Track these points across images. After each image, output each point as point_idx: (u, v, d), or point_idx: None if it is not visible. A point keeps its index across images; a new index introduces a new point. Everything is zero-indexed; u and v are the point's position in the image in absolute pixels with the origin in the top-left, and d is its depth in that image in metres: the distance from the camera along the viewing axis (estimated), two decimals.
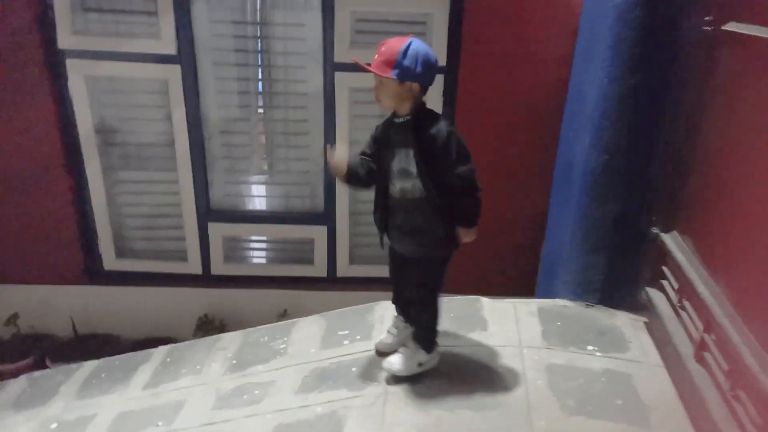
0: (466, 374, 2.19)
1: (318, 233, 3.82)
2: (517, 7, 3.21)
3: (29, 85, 3.29)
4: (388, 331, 2.29)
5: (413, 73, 1.85)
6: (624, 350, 2.33)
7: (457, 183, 1.90)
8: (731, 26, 1.89)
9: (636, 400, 2.04)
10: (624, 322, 2.52)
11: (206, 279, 3.89)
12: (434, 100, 3.39)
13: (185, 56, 3.34)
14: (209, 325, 3.77)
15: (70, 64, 3.33)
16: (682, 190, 2.22)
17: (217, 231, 3.78)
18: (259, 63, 3.49)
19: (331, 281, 3.93)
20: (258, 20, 3.41)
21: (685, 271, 2.06)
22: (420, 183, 1.93)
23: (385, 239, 2.14)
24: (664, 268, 2.32)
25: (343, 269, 3.91)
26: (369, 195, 3.78)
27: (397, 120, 1.96)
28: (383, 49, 1.87)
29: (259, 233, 3.91)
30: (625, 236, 2.48)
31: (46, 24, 3.23)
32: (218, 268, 3.88)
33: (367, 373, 2.24)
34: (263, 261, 4.02)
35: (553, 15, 3.21)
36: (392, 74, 1.85)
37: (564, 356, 2.28)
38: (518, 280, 3.55)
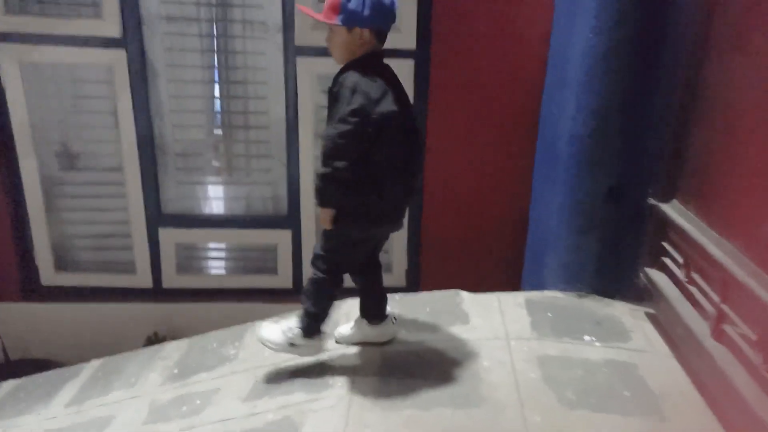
0: (444, 369, 1.87)
1: (282, 238, 3.48)
2: None
3: None
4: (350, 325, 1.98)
5: (361, 18, 1.61)
6: (625, 339, 2.03)
7: (322, 143, 1.62)
8: None
9: (645, 390, 1.73)
10: (622, 311, 2.23)
11: (157, 293, 3.49)
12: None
13: (131, 40, 3.04)
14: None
15: (2, 48, 3.00)
16: (682, 153, 1.96)
17: (169, 238, 3.42)
18: (215, 49, 3.22)
19: (298, 293, 3.54)
20: (213, 1, 3.15)
21: (693, 238, 1.79)
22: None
23: None
24: (665, 244, 2.05)
25: None
26: None
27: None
28: None
29: (216, 239, 3.55)
30: (618, 211, 2.21)
31: None
32: (171, 280, 3.50)
33: (329, 373, 1.90)
34: (221, 271, 3.65)
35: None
36: (337, 20, 1.63)
37: (558, 347, 1.97)
38: (502, 278, 3.25)
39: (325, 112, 3.18)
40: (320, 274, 1.81)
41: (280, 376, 1.95)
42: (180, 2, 3.12)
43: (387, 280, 3.56)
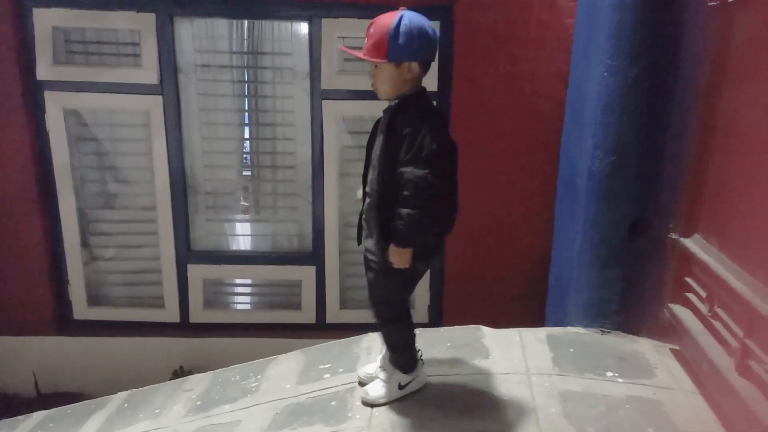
0: (463, 403, 1.85)
1: (306, 274, 3.54)
2: (509, 27, 3.11)
3: (4, 116, 3.15)
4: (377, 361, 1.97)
5: (409, 52, 1.62)
6: (650, 376, 1.99)
7: (402, 185, 1.59)
8: None
9: (670, 427, 1.69)
10: (647, 348, 2.19)
11: (184, 327, 3.56)
12: None
13: (168, 86, 3.22)
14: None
15: (49, 96, 3.21)
16: (700, 186, 1.97)
17: (197, 273, 3.51)
18: (246, 93, 3.38)
19: (321, 328, 3.59)
20: (244, 49, 3.33)
21: (716, 273, 1.77)
22: (378, 174, 1.67)
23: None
24: (688, 279, 2.03)
25: (333, 314, 3.59)
26: None
27: (388, 105, 1.73)
28: (372, 30, 1.64)
29: (242, 275, 3.63)
30: (640, 246, 2.21)
31: (25, 54, 3.15)
32: (197, 315, 3.57)
33: (349, 406, 1.91)
34: (247, 306, 3.71)
35: (545, 34, 3.11)
36: (386, 57, 1.62)
37: (580, 383, 1.95)
38: (524, 314, 3.22)
39: (350, 152, 3.36)
40: (391, 320, 1.81)
41: (300, 409, 1.97)
42: (214, 51, 3.31)
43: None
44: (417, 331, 2.33)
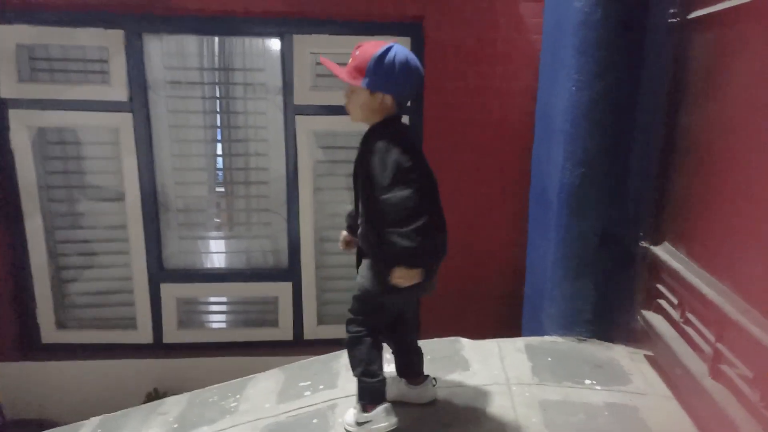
0: (445, 415, 1.86)
1: (282, 291, 3.51)
2: (477, 44, 3.18)
3: None
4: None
5: (385, 84, 1.61)
6: (626, 383, 2.03)
7: (385, 211, 1.57)
8: (698, 13, 1.81)
9: None
10: (622, 354, 2.24)
11: (157, 348, 3.49)
12: None
13: (137, 103, 3.18)
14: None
15: (13, 114, 3.13)
16: (667, 195, 2.04)
17: (170, 292, 3.45)
18: (218, 110, 3.35)
19: (298, 344, 3.56)
20: (216, 65, 3.32)
21: (686, 279, 1.83)
22: (363, 202, 1.66)
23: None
24: (659, 286, 2.09)
25: (311, 330, 3.56)
26: (336, 247, 3.56)
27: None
28: (357, 52, 1.64)
29: (217, 293, 3.57)
30: (611, 255, 2.26)
31: None
32: (171, 335, 3.50)
33: (331, 423, 1.89)
34: (222, 325, 3.65)
35: (513, 50, 3.19)
36: (362, 83, 1.61)
37: (559, 391, 1.97)
38: (501, 325, 3.26)
39: (323, 167, 3.36)
40: (355, 346, 1.75)
41: (280, 428, 1.94)
42: (184, 68, 3.28)
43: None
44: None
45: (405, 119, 3.30)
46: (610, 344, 2.33)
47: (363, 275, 1.71)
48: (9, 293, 3.31)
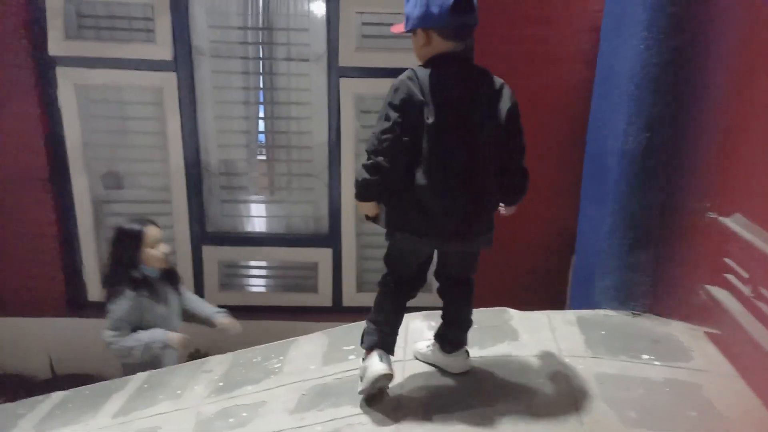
0: (497, 386, 1.80)
1: (322, 256, 3.49)
2: (536, 6, 3.02)
3: (15, 92, 3.09)
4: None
5: (413, 19, 1.56)
6: (686, 359, 1.93)
7: None
8: None
9: (712, 411, 1.63)
10: (680, 331, 2.13)
11: None
12: None
13: (182, 63, 3.15)
14: None
15: (61, 72, 3.15)
16: (741, 163, 1.89)
17: (212, 255, 3.47)
18: (261, 71, 3.30)
19: (337, 311, 3.55)
20: (260, 25, 3.25)
21: (762, 252, 1.70)
22: None
23: None
24: (727, 260, 1.96)
25: (350, 297, 3.54)
26: None
27: None
28: None
29: (258, 257, 3.58)
30: (673, 226, 2.13)
31: (36, 29, 3.07)
32: (213, 296, 3.52)
33: None
34: (262, 289, 3.66)
35: (570, 11, 3.02)
36: (404, 27, 1.60)
37: (615, 365, 1.89)
38: (545, 297, 3.17)
39: (366, 133, 3.28)
40: (380, 283, 1.79)
41: (327, 390, 1.92)
42: (228, 27, 3.22)
43: (427, 298, 3.50)
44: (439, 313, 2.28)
45: None
46: (667, 320, 2.21)
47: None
48: (57, 251, 3.38)
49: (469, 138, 1.59)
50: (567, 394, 1.73)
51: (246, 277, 3.67)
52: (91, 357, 3.51)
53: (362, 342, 1.75)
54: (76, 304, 3.51)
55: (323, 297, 3.54)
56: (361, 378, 1.72)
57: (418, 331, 2.21)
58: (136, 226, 2.47)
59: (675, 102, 2.04)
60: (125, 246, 2.43)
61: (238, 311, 3.52)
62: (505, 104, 1.62)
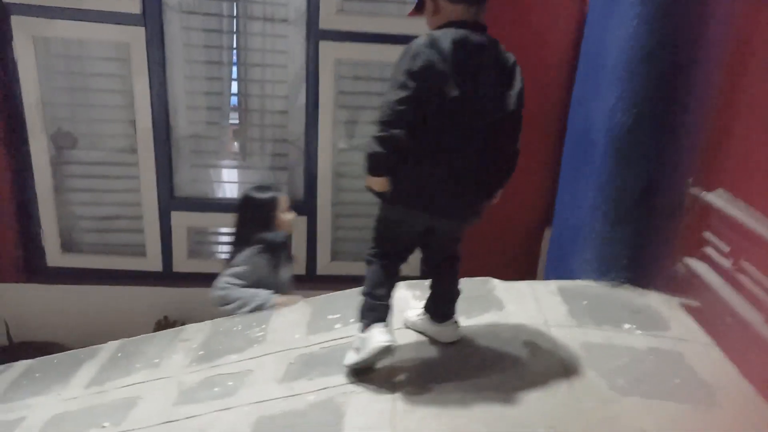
0: (486, 355, 1.82)
1: (296, 225, 3.40)
2: None
3: None
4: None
5: None
6: (665, 329, 2.00)
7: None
8: None
9: (695, 378, 1.70)
10: (657, 301, 2.20)
11: (167, 276, 3.41)
12: None
13: (150, 17, 2.96)
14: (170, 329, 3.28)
15: (16, 21, 2.90)
16: (727, 141, 1.94)
17: (181, 221, 3.34)
18: (235, 29, 3.14)
19: (310, 280, 3.50)
20: None
21: (744, 227, 1.76)
22: None
23: None
24: (707, 234, 2.03)
25: (324, 266, 3.50)
26: (354, 184, 3.45)
27: None
28: None
29: (229, 224, 3.45)
30: (656, 200, 2.18)
31: None
32: (181, 264, 3.42)
33: None
34: None
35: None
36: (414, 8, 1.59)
37: (599, 334, 1.94)
38: (517, 268, 3.22)
39: (346, 99, 3.20)
40: (367, 262, 1.73)
41: (315, 359, 1.90)
42: None
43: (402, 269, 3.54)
44: (427, 282, 2.28)
45: None
46: (645, 290, 2.28)
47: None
48: (12, 215, 3.18)
49: (487, 115, 1.56)
50: (556, 363, 1.77)
51: (216, 244, 3.57)
52: (50, 324, 3.36)
53: (362, 318, 1.70)
54: (34, 270, 3.33)
55: (297, 265, 3.48)
56: (357, 349, 1.70)
57: (404, 300, 2.19)
58: (271, 192, 2.55)
59: (665, 78, 2.07)
60: (262, 210, 2.52)
61: (208, 279, 3.43)
62: (517, 84, 1.59)
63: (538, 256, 3.60)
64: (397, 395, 1.63)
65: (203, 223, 3.42)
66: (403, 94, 1.44)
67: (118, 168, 3.28)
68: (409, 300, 2.19)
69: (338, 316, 2.17)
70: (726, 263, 1.89)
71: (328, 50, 3.09)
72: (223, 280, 2.45)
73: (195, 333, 2.31)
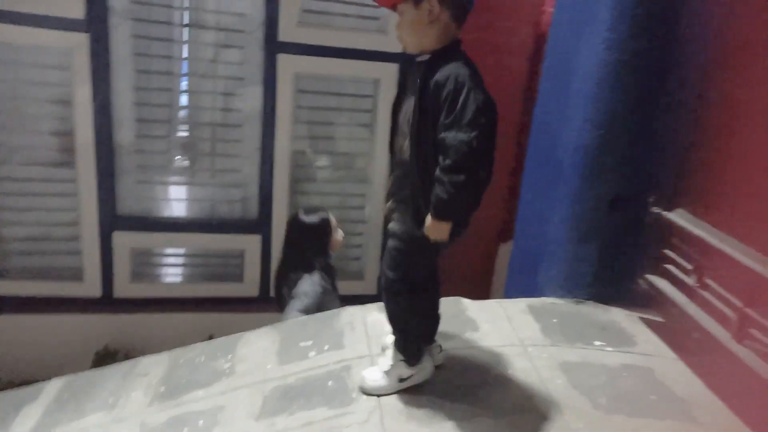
0: (471, 378, 1.80)
1: (250, 244, 3.28)
2: None
3: None
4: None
5: None
6: (632, 344, 2.07)
7: (442, 152, 1.41)
8: None
9: (669, 394, 1.76)
10: (620, 317, 2.28)
11: (107, 303, 3.16)
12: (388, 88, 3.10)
13: (95, 23, 2.76)
14: (110, 360, 3.04)
15: None
16: (690, 163, 2.05)
17: (124, 242, 3.12)
18: (186, 39, 2.99)
19: (264, 300, 3.37)
20: None
21: (709, 245, 1.85)
22: (412, 142, 1.48)
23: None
24: (668, 252, 2.12)
25: None
26: (310, 201, 3.36)
27: (417, 59, 1.52)
28: None
29: (177, 244, 3.28)
30: (620, 219, 2.26)
31: None
32: (123, 288, 3.19)
33: (350, 387, 1.77)
34: (181, 279, 3.37)
35: (516, 7, 3.08)
36: None
37: (574, 353, 1.97)
38: (471, 286, 3.24)
39: (304, 114, 3.12)
40: (405, 299, 1.64)
41: (292, 391, 1.80)
42: None
43: (359, 287, 3.49)
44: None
45: (395, 67, 3.13)
46: (607, 307, 2.36)
47: (411, 222, 1.55)
48: None
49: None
50: (538, 384, 1.77)
51: (163, 266, 3.36)
52: None
53: (410, 359, 1.69)
54: None
55: (249, 286, 3.34)
56: (403, 379, 1.70)
57: (378, 323, 2.15)
58: (321, 215, 2.49)
59: (631, 102, 2.15)
60: (316, 234, 2.46)
61: (153, 304, 3.22)
62: None
63: (493, 273, 3.66)
64: (387, 424, 1.58)
65: (149, 243, 3.21)
66: (478, 131, 1.38)
67: (52, 184, 3.02)
68: (384, 323, 2.14)
69: (310, 342, 2.08)
70: (689, 280, 1.98)
71: (286, 63, 3.00)
72: (293, 315, 2.33)
73: (152, 366, 2.14)
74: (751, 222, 1.74)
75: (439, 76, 1.43)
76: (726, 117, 1.88)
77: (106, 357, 3.06)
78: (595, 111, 2.18)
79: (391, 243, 1.62)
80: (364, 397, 1.71)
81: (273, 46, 2.97)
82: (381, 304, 2.27)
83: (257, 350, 2.10)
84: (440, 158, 1.43)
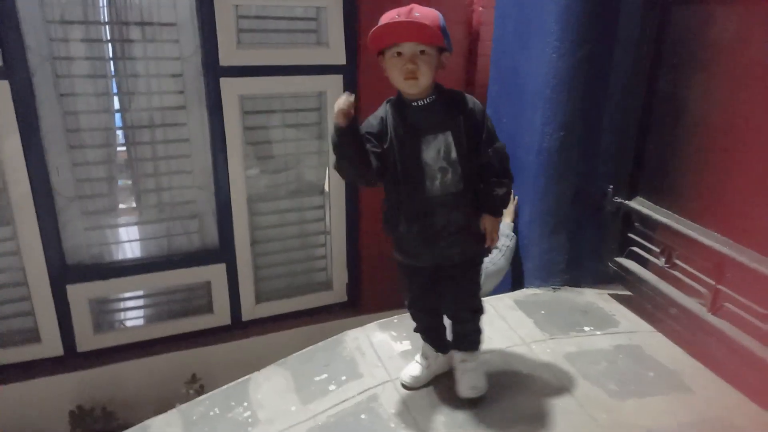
0: (492, 384, 1.92)
1: (215, 274, 3.19)
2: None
3: None
4: (417, 362, 1.93)
5: (449, 40, 1.63)
6: (615, 324, 2.30)
7: (494, 162, 1.66)
8: None
9: (663, 368, 1.99)
10: (594, 297, 2.51)
11: (72, 359, 2.97)
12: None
13: (14, 68, 2.50)
14: (89, 419, 2.88)
15: None
16: (643, 153, 2.27)
17: (79, 294, 2.92)
18: (113, 74, 2.77)
19: (236, 327, 3.32)
20: (107, 19, 2.71)
21: (674, 229, 2.09)
22: (461, 171, 1.64)
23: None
24: (632, 236, 2.36)
25: (249, 311, 3.33)
26: (270, 220, 3.31)
27: (417, 103, 1.63)
28: (417, 13, 1.53)
29: (137, 287, 3.11)
30: (584, 210, 2.47)
31: None
32: (87, 342, 3.00)
33: (384, 416, 1.84)
34: (148, 321, 3.22)
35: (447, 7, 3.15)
36: (446, 44, 1.60)
37: (572, 342, 2.16)
38: None
39: (253, 135, 3.04)
40: (481, 309, 1.90)
41: (328, 430, 1.84)
42: (70, 22, 2.63)
43: (327, 297, 3.51)
44: (395, 318, 2.33)
45: (339, 78, 3.13)
46: (581, 289, 2.58)
47: (478, 244, 1.73)
48: None
49: None
50: (554, 380, 1.93)
51: (126, 310, 3.18)
52: None
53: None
54: None
55: (221, 316, 3.27)
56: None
57: (385, 344, 2.22)
58: None
59: (585, 102, 2.33)
60: None
61: (122, 351, 3.06)
62: None
63: None
64: None
65: (107, 291, 3.02)
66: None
67: None
68: (390, 343, 2.21)
69: (325, 376, 2.11)
70: (658, 261, 2.22)
71: (230, 87, 2.90)
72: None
73: (164, 428, 2.07)
74: (711, 206, 1.98)
75: (470, 103, 1.66)
76: (671, 109, 2.11)
77: (82, 417, 2.89)
78: (553, 114, 2.34)
79: (469, 274, 1.80)
80: (404, 424, 1.78)
81: (215, 71, 2.84)
82: (381, 322, 2.36)
83: (272, 392, 2.09)
84: (489, 167, 1.66)
